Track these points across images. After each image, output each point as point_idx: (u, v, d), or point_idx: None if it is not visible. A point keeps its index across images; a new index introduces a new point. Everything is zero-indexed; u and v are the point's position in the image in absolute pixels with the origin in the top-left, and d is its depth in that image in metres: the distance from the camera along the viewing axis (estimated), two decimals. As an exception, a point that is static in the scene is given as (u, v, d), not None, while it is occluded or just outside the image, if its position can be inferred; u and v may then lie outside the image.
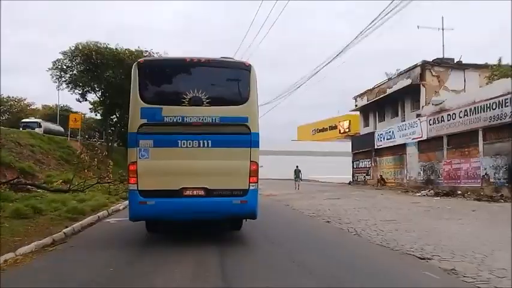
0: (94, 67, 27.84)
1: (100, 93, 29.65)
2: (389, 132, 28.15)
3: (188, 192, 7.09)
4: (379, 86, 30.70)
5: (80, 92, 29.10)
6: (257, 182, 7.38)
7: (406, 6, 27.16)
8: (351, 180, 35.09)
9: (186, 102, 7.16)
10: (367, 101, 32.14)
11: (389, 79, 29.58)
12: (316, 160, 61.59)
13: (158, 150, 7.08)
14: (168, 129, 7.14)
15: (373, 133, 30.99)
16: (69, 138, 34.18)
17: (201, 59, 7.55)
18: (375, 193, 22.71)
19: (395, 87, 27.68)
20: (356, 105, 34.26)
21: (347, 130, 76.54)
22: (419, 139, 24.45)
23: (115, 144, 45.05)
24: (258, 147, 7.41)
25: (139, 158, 7.03)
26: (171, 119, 7.09)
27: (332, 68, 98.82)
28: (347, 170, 55.51)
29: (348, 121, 76.85)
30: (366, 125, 33.72)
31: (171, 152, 7.13)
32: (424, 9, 37.43)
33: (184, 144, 7.09)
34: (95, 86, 28.64)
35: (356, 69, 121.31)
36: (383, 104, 30.14)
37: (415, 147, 25.08)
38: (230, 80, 7.72)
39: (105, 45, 27.57)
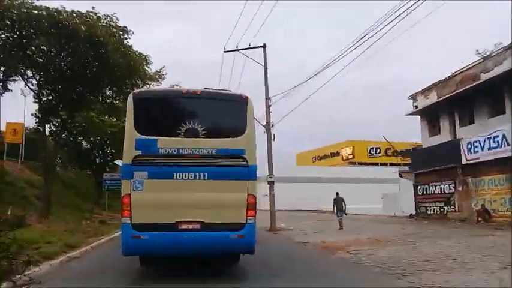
0: (19, 37, 16.90)
1: (36, 83, 18.61)
2: (495, 137, 17.72)
3: (183, 226, 6.86)
4: (462, 72, 20.58)
5: (-1, 78, 17.94)
6: (255, 216, 7.13)
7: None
8: (413, 213, 24.13)
9: (182, 134, 7.08)
10: (438, 98, 21.88)
11: (486, 58, 19.50)
12: (327, 188, 51.25)
13: (153, 182, 6.91)
14: (163, 161, 6.98)
15: (455, 142, 20.52)
16: (4, 157, 23.19)
17: (197, 91, 7.51)
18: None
19: (500, 69, 17.60)
20: (416, 107, 23.89)
21: (350, 157, 68.32)
22: None
23: (71, 169, 33.53)
24: (256, 179, 7.27)
25: (133, 190, 6.84)
26: (166, 150, 6.97)
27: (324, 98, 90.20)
28: (371, 198, 45.13)
29: (351, 147, 68.55)
30: (434, 133, 23.24)
31: (166, 184, 6.95)
32: None
33: (179, 177, 6.94)
34: (23, 68, 17.59)
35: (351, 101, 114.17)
36: (469, 98, 19.91)
37: None
38: (227, 112, 7.56)
39: (32, 3, 16.61)
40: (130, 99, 7.34)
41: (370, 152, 72.50)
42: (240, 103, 7.42)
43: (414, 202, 23.78)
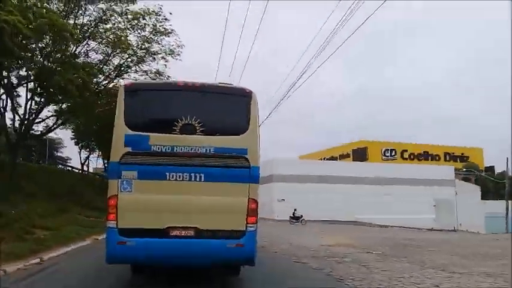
0: None
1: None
2: None
3: (175, 233, 6.33)
4: None
5: None
6: (256, 223, 6.58)
7: None
8: None
9: (177, 131, 6.54)
10: None
11: None
12: (361, 191, 41.82)
13: (143, 183, 6.40)
14: (155, 160, 6.46)
15: None
16: None
17: (195, 84, 6.98)
18: None
19: None
20: None
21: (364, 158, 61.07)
22: None
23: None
24: (258, 182, 6.70)
25: (121, 191, 6.35)
26: (159, 148, 6.45)
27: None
28: (420, 205, 37.53)
29: (363, 148, 61.14)
30: None
31: (157, 186, 6.45)
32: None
33: (173, 177, 6.42)
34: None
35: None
36: None
37: None
38: (228, 107, 6.98)
39: None
40: (121, 92, 6.85)
41: (384, 154, 65.63)
42: (243, 98, 6.84)
43: None
